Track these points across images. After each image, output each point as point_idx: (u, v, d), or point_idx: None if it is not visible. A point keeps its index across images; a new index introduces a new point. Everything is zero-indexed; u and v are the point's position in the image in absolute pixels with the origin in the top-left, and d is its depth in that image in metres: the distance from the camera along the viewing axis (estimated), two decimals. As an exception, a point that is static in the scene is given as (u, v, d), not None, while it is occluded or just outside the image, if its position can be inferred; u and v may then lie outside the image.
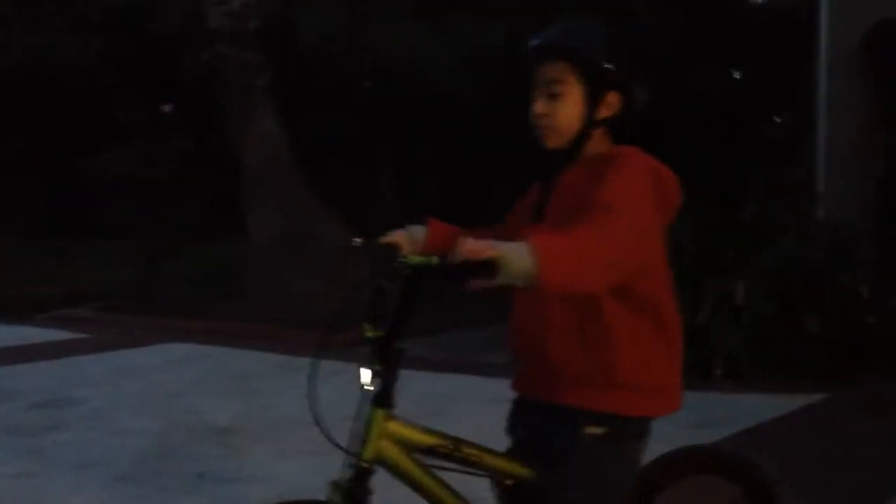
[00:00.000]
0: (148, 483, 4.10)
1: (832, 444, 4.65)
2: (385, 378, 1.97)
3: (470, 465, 2.07)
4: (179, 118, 9.40)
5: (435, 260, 1.82)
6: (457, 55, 9.14)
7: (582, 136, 2.07)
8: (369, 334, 1.97)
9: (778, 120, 18.63)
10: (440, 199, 14.30)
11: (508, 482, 2.16)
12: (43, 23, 13.02)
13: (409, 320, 1.95)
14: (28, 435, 4.83)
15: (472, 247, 1.67)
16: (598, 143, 2.10)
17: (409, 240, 2.30)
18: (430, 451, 2.04)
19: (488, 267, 1.66)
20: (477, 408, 5.06)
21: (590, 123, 2.07)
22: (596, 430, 2.02)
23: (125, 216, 9.44)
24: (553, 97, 2.06)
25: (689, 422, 4.92)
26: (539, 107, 2.08)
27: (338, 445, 1.98)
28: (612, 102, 2.07)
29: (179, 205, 9.82)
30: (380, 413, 1.98)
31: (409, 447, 2.02)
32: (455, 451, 2.04)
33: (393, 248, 2.23)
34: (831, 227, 6.73)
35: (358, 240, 2.22)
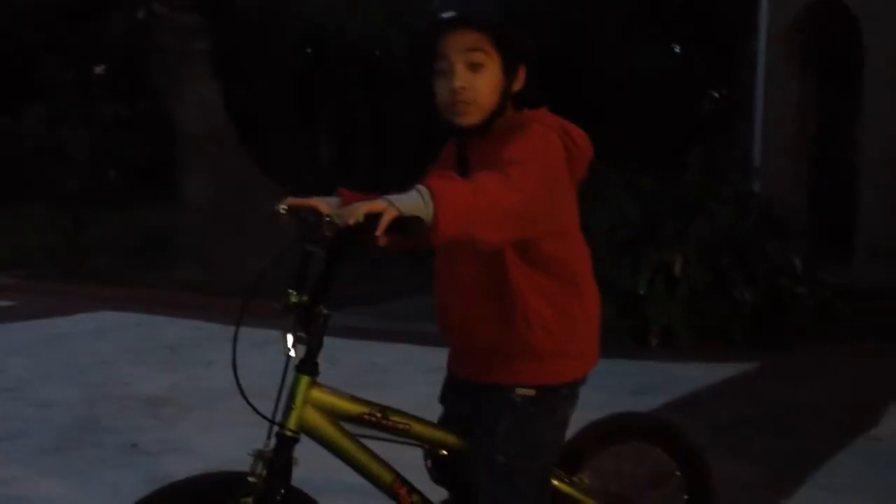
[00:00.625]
0: (74, 455, 3.96)
1: (763, 412, 4.74)
2: (309, 344, 1.92)
3: (399, 433, 2.05)
4: (110, 80, 9.07)
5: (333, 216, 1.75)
6: (388, 20, 9.03)
7: (499, 110, 2.01)
8: (293, 300, 1.90)
9: (716, 95, 18.90)
10: (376, 165, 14.20)
11: (443, 452, 2.14)
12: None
13: (332, 284, 1.90)
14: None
15: (370, 206, 1.64)
16: (507, 114, 2.05)
17: (328, 206, 2.18)
18: (357, 419, 2.00)
19: (409, 224, 1.65)
20: (413, 377, 5.03)
21: (506, 97, 2.01)
22: (527, 392, 2.03)
23: (48, 181, 9.10)
24: (474, 67, 1.97)
25: (625, 389, 4.98)
26: (461, 79, 1.97)
27: (260, 413, 1.91)
28: (521, 75, 2.03)
29: (108, 170, 9.52)
30: (304, 380, 1.93)
31: (335, 415, 1.98)
32: (383, 420, 2.01)
33: (318, 213, 2.12)
34: (765, 202, 6.84)
35: (283, 206, 2.12)
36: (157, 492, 1.93)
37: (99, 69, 9.01)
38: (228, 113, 9.16)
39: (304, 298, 1.91)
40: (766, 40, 9.03)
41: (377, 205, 1.64)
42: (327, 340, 1.95)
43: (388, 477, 2.04)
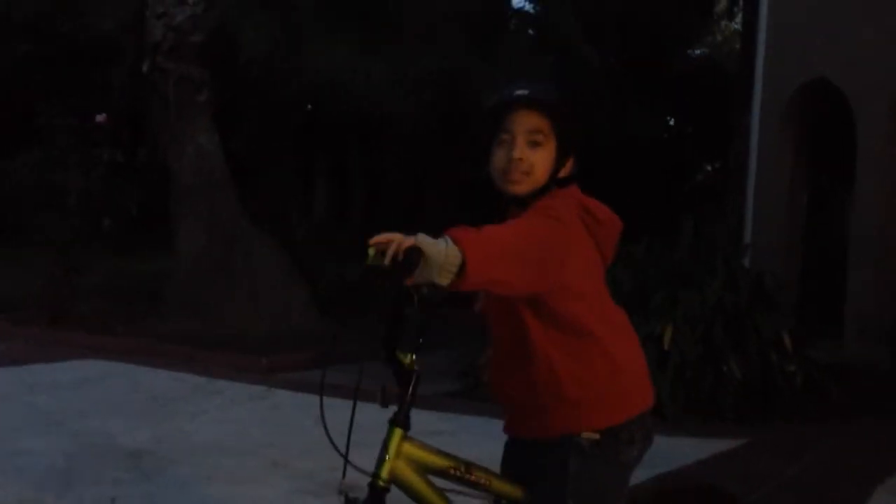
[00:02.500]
0: (49, 507, 3.88)
1: (749, 488, 4.69)
2: (403, 400, 2.05)
3: (478, 488, 2.17)
4: (109, 127, 9.13)
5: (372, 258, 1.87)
6: (389, 79, 9.16)
7: (545, 188, 2.19)
8: (403, 360, 2.05)
9: (709, 168, 19.12)
10: (372, 220, 14.24)
11: None
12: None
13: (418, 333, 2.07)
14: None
15: (402, 240, 1.82)
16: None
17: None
18: (443, 473, 2.13)
19: (413, 256, 1.79)
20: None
21: (553, 178, 2.19)
22: (592, 436, 2.15)
23: (41, 225, 9.08)
24: (534, 145, 2.17)
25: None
26: (520, 151, 2.17)
27: (355, 467, 2.03)
28: (568, 165, 2.22)
29: (103, 216, 9.53)
30: (398, 433, 2.05)
31: (423, 468, 2.11)
32: (466, 475, 2.14)
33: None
34: (756, 275, 6.87)
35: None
36: None
37: (100, 117, 9.02)
38: (226, 164, 9.21)
39: (405, 355, 2.05)
40: (760, 116, 9.18)
41: (408, 240, 1.82)
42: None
43: None
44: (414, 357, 2.07)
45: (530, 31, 14.01)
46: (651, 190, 15.65)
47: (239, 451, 4.82)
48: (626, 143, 14.41)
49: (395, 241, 1.82)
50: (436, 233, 1.90)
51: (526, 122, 2.17)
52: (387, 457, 2.03)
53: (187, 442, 4.98)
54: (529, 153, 2.16)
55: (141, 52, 9.28)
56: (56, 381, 6.57)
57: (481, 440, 5.33)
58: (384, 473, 2.02)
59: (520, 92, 2.20)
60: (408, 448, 2.07)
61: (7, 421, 5.28)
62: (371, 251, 1.85)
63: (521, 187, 2.18)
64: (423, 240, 1.83)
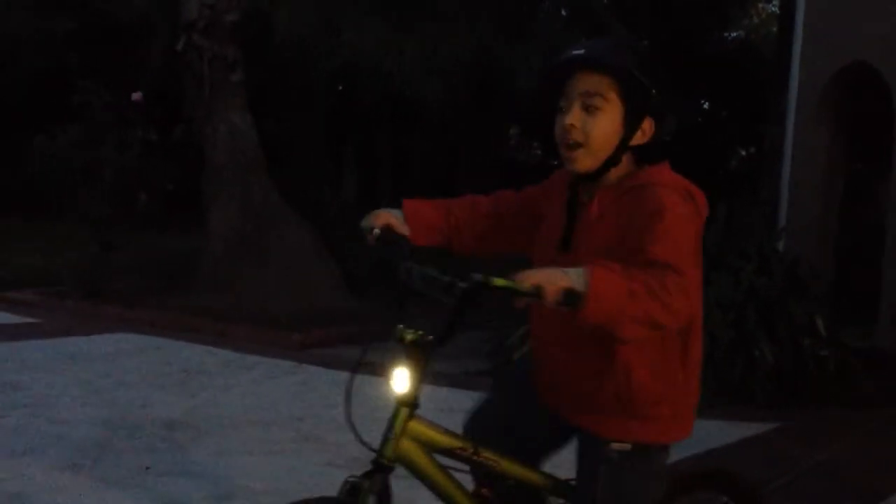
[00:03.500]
0: (88, 474, 3.98)
1: (778, 473, 4.68)
2: (413, 379, 2.01)
3: (487, 469, 2.10)
4: (144, 105, 9.22)
5: (526, 287, 1.78)
6: (422, 58, 9.16)
7: (613, 160, 1.97)
8: (409, 336, 1.99)
9: (744, 153, 18.91)
10: (398, 198, 14.27)
11: (510, 483, 2.18)
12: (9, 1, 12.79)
13: (457, 330, 1.97)
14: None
15: (550, 278, 1.74)
16: (623, 167, 2.00)
17: (396, 220, 2.23)
18: (450, 453, 2.08)
19: (571, 296, 1.74)
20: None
21: (623, 147, 1.97)
22: (623, 446, 2.03)
23: (78, 201, 9.22)
24: (589, 110, 1.95)
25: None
26: (571, 117, 1.95)
27: (363, 443, 2.01)
28: (646, 128, 1.98)
29: (139, 193, 9.64)
30: (404, 411, 2.01)
31: (430, 447, 2.06)
32: (474, 455, 2.08)
33: (396, 234, 2.20)
34: (790, 261, 6.81)
35: (376, 230, 2.20)
36: None
37: (136, 95, 9.12)
38: (258, 143, 9.27)
39: (417, 336, 1.99)
40: (796, 100, 9.05)
41: (560, 281, 1.73)
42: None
43: None
44: (438, 341, 2.00)
45: (563, 12, 13.91)
46: (684, 174, 15.51)
47: (270, 423, 4.89)
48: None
49: (553, 281, 1.73)
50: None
51: (582, 85, 1.94)
52: (391, 435, 2.00)
53: (220, 414, 5.07)
54: (583, 119, 1.94)
55: (176, 30, 9.36)
56: (93, 352, 6.70)
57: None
58: (388, 452, 1.99)
59: (576, 52, 1.97)
60: (414, 427, 2.02)
61: (47, 390, 5.40)
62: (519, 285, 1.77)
63: (581, 164, 1.96)
64: (571, 274, 1.74)
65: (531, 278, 1.74)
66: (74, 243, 9.72)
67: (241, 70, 9.13)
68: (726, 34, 19.22)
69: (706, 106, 18.57)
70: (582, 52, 1.97)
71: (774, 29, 13.91)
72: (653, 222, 1.85)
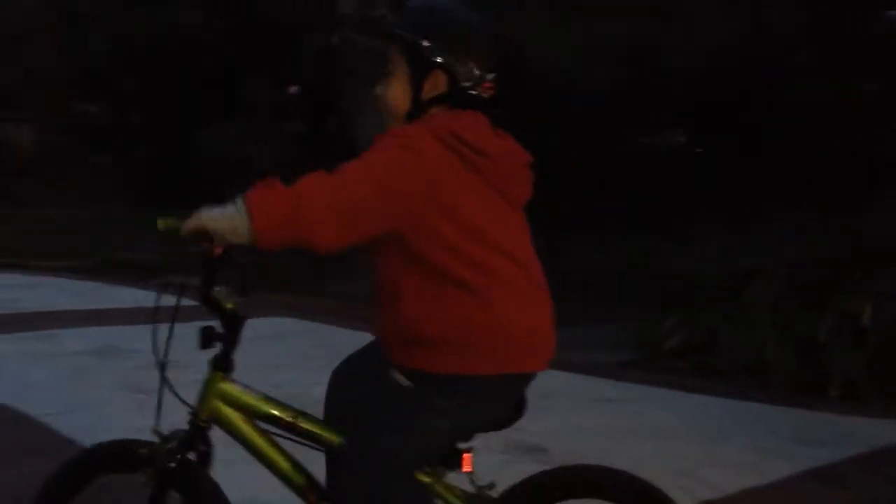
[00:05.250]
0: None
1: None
2: (225, 342, 2.10)
3: (308, 438, 2.11)
4: (299, 99, 9.59)
5: (163, 225, 2.04)
6: (578, 46, 9.03)
7: (412, 118, 2.02)
8: (229, 305, 2.09)
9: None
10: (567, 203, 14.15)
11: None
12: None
13: (212, 274, 2.06)
14: (144, 392, 5.00)
15: (190, 222, 1.90)
16: None
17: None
18: (269, 419, 2.11)
19: (201, 235, 1.88)
20: (578, 406, 5.00)
21: (419, 104, 2.02)
22: (402, 380, 1.98)
23: (233, 194, 9.68)
24: (386, 77, 2.05)
25: (797, 438, 4.74)
26: (377, 89, 2.08)
27: (180, 398, 2.12)
28: (438, 81, 2.01)
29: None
30: (216, 375, 2.10)
31: (249, 413, 2.11)
32: (295, 423, 2.10)
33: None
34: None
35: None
36: (67, 461, 2.22)
37: (293, 88, 9.49)
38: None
39: (227, 299, 2.08)
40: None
41: (196, 221, 1.90)
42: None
43: (299, 479, 2.11)
44: (238, 301, 2.09)
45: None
46: (840, 158, 14.67)
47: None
48: (815, 108, 13.55)
49: (188, 224, 1.91)
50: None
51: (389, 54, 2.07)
52: (205, 396, 2.09)
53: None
54: (382, 88, 2.06)
55: (331, 25, 9.65)
56: (253, 335, 6.98)
57: (649, 408, 5.33)
58: (201, 412, 2.10)
59: None
60: (227, 389, 2.10)
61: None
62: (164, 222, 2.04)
63: (384, 129, 2.03)
64: (205, 215, 1.88)
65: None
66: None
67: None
68: (887, 12, 17.97)
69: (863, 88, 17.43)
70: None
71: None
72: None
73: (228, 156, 9.66)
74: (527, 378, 2.03)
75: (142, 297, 8.69)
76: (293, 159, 9.45)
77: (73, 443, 4.07)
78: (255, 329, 7.12)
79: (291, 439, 2.11)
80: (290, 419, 2.10)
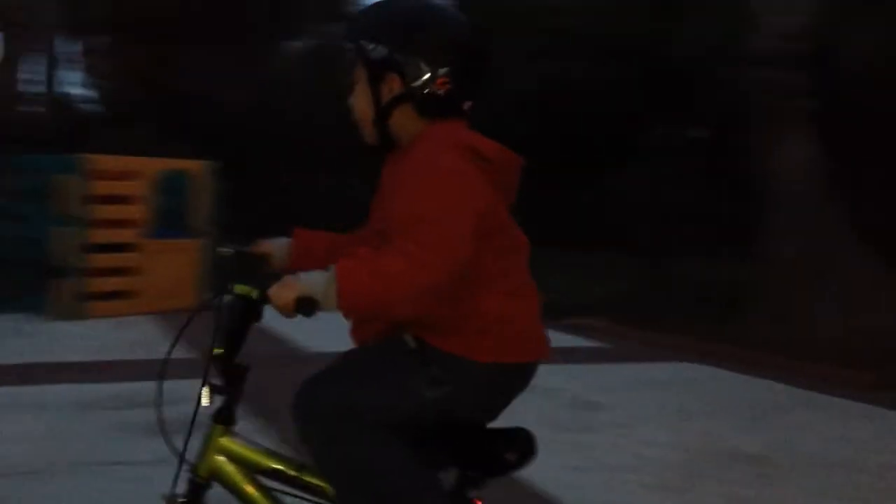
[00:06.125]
0: (679, 497, 4.19)
1: None
2: (227, 395, 2.03)
3: (314, 493, 2.04)
4: (703, 139, 9.50)
5: (255, 294, 1.93)
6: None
7: (379, 124, 2.03)
8: (216, 351, 1.99)
9: None
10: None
11: None
12: (568, 52, 14.17)
13: (242, 342, 1.99)
14: (567, 431, 5.26)
15: (279, 292, 1.84)
16: (409, 127, 2.02)
17: (278, 250, 2.30)
18: (270, 473, 2.06)
19: (304, 304, 1.82)
20: None
21: (382, 108, 2.01)
22: (410, 341, 1.98)
23: (636, 232, 9.81)
24: (353, 86, 2.07)
25: None
26: (349, 100, 2.10)
27: (178, 455, 2.02)
28: (392, 84, 2.00)
29: (687, 224, 9.91)
30: (217, 429, 2.05)
31: (249, 467, 2.05)
32: (297, 478, 2.04)
33: (257, 260, 2.26)
34: None
35: (225, 249, 2.27)
36: None
37: (698, 131, 9.45)
38: (825, 172, 8.91)
39: (221, 350, 1.98)
40: None
41: (290, 293, 1.83)
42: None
43: None
44: (228, 353, 2.00)
45: None
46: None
47: (851, 468, 4.66)
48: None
49: (281, 294, 1.85)
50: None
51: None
52: (205, 452, 2.03)
53: (796, 453, 4.97)
54: (351, 98, 2.08)
55: (736, 62, 9.44)
56: (658, 379, 7.04)
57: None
58: (200, 469, 2.04)
59: None
60: (228, 444, 2.04)
61: (626, 412, 5.79)
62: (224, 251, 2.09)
63: (367, 138, 2.07)
64: (304, 281, 1.84)
65: (274, 290, 1.86)
66: (628, 271, 10.30)
67: (806, 98, 8.87)
68: None
69: None
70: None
71: None
72: (411, 177, 1.89)
73: (634, 199, 9.86)
74: (522, 373, 2.07)
75: (549, 338, 9.11)
76: (697, 202, 9.40)
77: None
78: (659, 373, 7.23)
79: (295, 494, 2.08)
80: (293, 473, 2.06)
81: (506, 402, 2.11)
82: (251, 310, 1.96)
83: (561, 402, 5.89)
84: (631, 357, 8.06)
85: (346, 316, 1.97)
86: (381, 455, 1.93)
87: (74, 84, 17.80)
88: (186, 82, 14.84)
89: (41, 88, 14.94)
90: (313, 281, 1.85)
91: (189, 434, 2.02)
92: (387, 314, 1.90)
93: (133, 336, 7.95)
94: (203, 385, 2.01)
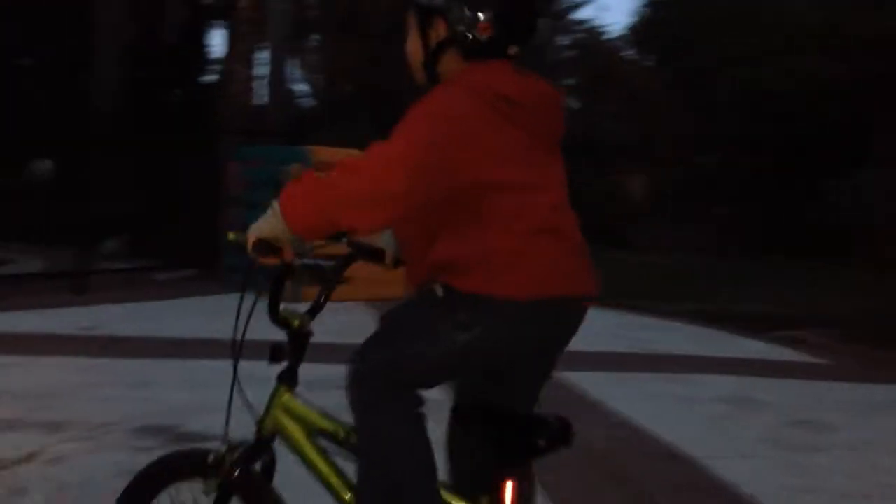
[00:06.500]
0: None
1: None
2: (291, 357, 2.16)
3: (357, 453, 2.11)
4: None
5: (232, 237, 2.08)
6: None
7: (427, 67, 2.12)
8: (295, 322, 2.16)
9: None
10: None
11: None
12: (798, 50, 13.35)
13: (278, 301, 2.13)
14: (789, 450, 4.90)
15: (248, 239, 2.00)
16: (456, 70, 2.08)
17: (388, 244, 2.35)
18: (325, 434, 2.16)
19: (261, 246, 1.97)
20: None
21: (431, 51, 2.10)
22: (438, 289, 2.04)
23: (873, 244, 9.07)
24: (407, 33, 2.16)
25: None
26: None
27: (248, 408, 2.17)
28: (439, 28, 2.08)
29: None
30: (281, 388, 2.18)
31: (309, 427, 2.16)
32: (347, 440, 2.12)
33: (379, 254, 2.35)
34: None
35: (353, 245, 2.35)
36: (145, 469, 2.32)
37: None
38: None
39: (294, 317, 2.15)
40: None
41: (250, 237, 2.01)
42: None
43: (346, 495, 2.13)
44: (305, 319, 2.14)
45: None
46: None
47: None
48: None
49: (248, 236, 2.00)
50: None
51: None
52: (270, 410, 2.16)
53: None
54: (406, 44, 2.17)
55: None
56: (888, 401, 6.45)
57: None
58: (265, 424, 2.16)
59: None
60: (291, 403, 2.16)
61: (856, 434, 5.33)
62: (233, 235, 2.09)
63: (417, 80, 2.16)
64: (254, 227, 1.98)
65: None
66: (860, 285, 9.59)
67: None
68: None
69: None
70: None
71: None
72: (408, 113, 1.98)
73: (855, 207, 9.16)
74: (555, 308, 2.03)
75: (763, 350, 8.60)
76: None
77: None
78: (891, 395, 6.60)
79: (346, 458, 2.18)
80: (343, 434, 2.14)
81: (546, 339, 2.12)
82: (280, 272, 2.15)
83: (781, 420, 5.52)
84: (858, 377, 7.44)
85: (306, 238, 2.03)
86: (404, 433, 2.04)
87: (294, 80, 18.82)
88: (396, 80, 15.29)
89: (265, 83, 15.80)
90: (262, 221, 2.00)
91: (234, 385, 2.18)
92: (337, 224, 1.96)
93: (346, 320, 8.22)
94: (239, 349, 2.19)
